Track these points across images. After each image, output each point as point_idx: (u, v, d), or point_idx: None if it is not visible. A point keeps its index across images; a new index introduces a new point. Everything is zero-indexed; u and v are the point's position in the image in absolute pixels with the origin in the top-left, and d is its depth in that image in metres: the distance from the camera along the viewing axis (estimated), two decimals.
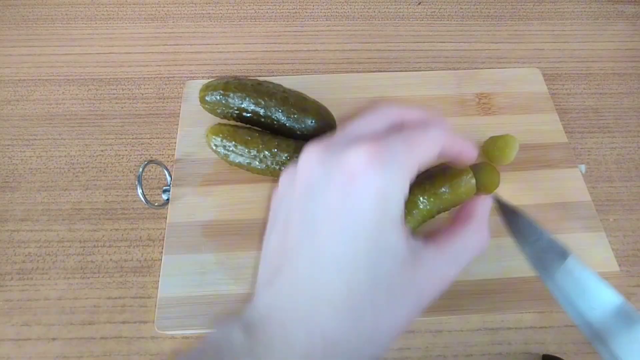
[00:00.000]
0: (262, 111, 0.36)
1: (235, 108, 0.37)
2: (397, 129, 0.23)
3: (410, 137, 0.21)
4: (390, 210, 0.20)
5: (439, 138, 0.22)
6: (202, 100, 0.37)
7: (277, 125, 0.37)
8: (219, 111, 0.37)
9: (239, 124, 0.38)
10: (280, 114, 0.36)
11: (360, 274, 0.20)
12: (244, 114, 0.37)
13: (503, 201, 0.29)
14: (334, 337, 0.19)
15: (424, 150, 0.21)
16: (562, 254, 0.25)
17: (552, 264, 0.25)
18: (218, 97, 0.37)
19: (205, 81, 0.39)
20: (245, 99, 0.36)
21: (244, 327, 0.20)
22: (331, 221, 0.20)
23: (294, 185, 0.23)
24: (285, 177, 0.25)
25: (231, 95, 0.36)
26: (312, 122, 0.37)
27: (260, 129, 0.37)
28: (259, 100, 0.36)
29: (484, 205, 0.24)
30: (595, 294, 0.24)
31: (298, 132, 0.37)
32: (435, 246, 0.22)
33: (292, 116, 0.36)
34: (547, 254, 0.26)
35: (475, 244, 0.23)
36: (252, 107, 0.36)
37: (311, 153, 0.22)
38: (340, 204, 0.20)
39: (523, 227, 0.28)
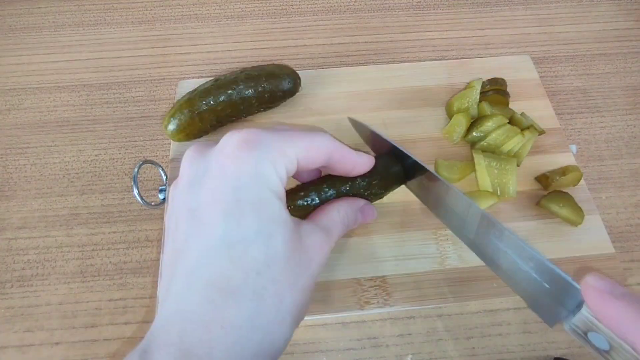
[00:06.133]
0: (235, 95, 0.36)
1: (210, 108, 0.36)
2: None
3: (288, 132, 0.22)
4: (269, 185, 0.21)
5: (322, 142, 0.23)
6: (179, 131, 0.36)
7: (257, 103, 0.36)
8: (197, 122, 0.36)
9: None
10: (251, 90, 0.36)
11: (254, 251, 0.19)
12: (221, 109, 0.36)
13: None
14: (234, 324, 0.18)
15: (302, 146, 0.22)
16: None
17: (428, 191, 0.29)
18: (188, 115, 0.36)
19: (195, 81, 0.39)
20: (214, 97, 0.36)
21: (140, 356, 0.18)
22: (215, 206, 0.20)
23: (177, 187, 0.23)
24: (170, 188, 0.25)
25: (197, 103, 0.36)
26: (288, 82, 0.37)
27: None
28: (226, 91, 0.36)
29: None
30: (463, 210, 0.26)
31: (280, 94, 0.37)
32: (311, 221, 0.24)
33: (264, 85, 0.36)
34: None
35: (343, 219, 0.26)
36: (223, 97, 0.36)
37: (189, 152, 0.24)
38: (220, 187, 0.20)
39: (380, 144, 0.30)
